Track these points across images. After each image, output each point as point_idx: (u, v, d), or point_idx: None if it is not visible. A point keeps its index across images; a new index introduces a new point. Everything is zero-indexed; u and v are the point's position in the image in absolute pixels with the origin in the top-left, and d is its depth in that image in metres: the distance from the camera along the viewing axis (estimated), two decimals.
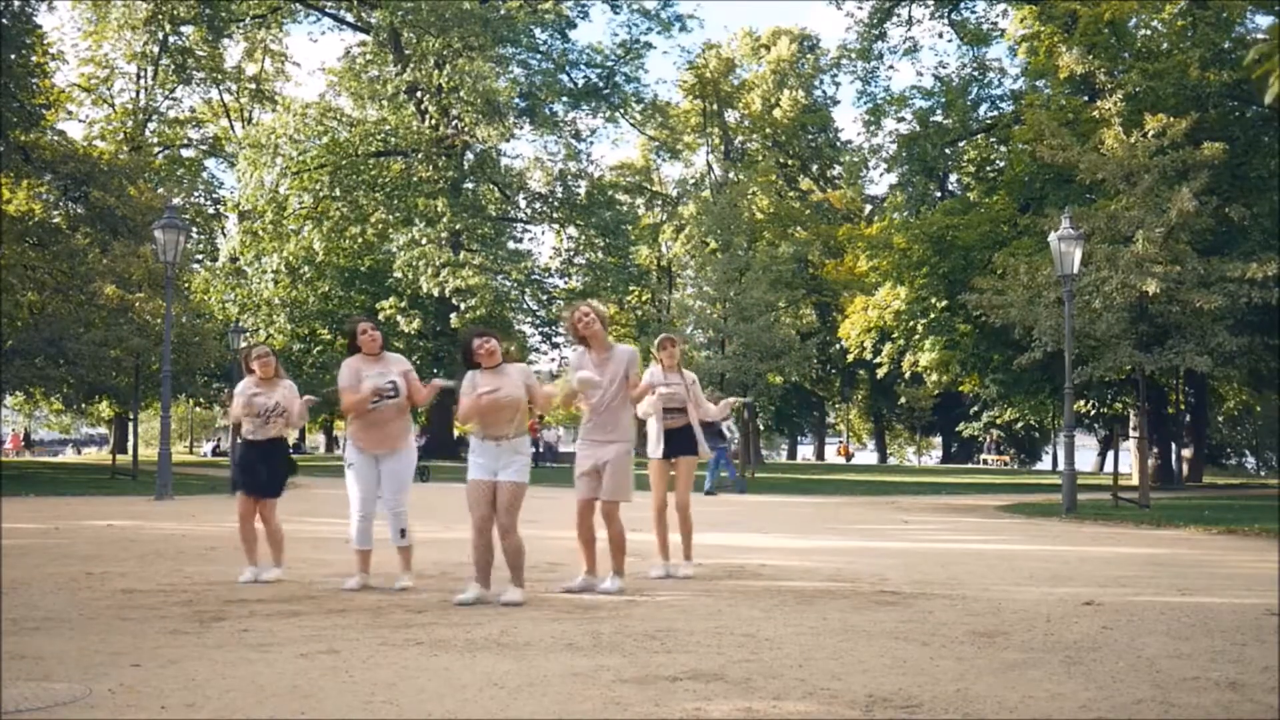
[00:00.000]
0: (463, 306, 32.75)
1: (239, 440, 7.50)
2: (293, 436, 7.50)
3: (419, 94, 35.26)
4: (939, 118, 31.78)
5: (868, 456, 61.36)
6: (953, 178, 34.79)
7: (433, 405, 37.83)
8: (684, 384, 7.56)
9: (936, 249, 27.23)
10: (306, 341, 38.53)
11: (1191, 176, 18.95)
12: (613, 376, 6.59)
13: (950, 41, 36.20)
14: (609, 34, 53.36)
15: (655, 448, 7.48)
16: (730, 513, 13.97)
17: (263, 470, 7.24)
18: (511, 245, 37.44)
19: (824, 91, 51.46)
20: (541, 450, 31.69)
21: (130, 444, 28.72)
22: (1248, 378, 27.21)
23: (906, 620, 5.63)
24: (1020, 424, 45.07)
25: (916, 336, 28.97)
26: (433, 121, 34.64)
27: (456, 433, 44.78)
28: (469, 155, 36.34)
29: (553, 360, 39.72)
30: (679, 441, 7.52)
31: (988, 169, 31.41)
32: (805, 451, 64.74)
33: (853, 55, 36.34)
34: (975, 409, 43.51)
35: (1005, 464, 52.31)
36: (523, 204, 39.09)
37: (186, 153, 43.92)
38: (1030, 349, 19.81)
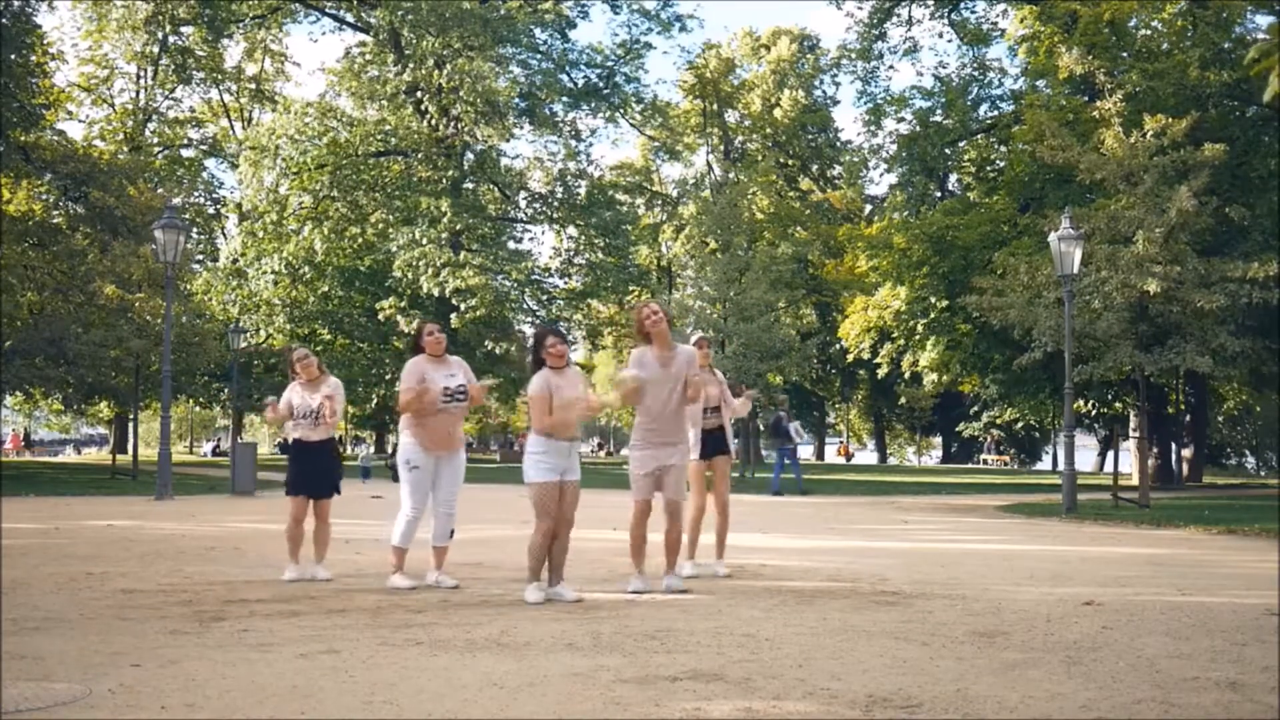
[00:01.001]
0: (463, 307, 32.74)
1: (288, 442, 7.50)
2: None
3: (419, 94, 35.26)
4: (939, 118, 31.76)
5: (868, 456, 61.34)
6: (953, 178, 34.78)
7: None
8: (717, 384, 7.59)
9: (936, 249, 27.23)
10: (306, 342, 38.55)
11: (1191, 176, 18.95)
12: (676, 376, 6.53)
13: (950, 41, 36.21)
14: (609, 34, 53.42)
15: (693, 449, 7.39)
16: (731, 513, 13.89)
17: (322, 470, 7.30)
18: (511, 245, 37.42)
19: (824, 91, 51.52)
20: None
21: (130, 444, 28.72)
22: (1248, 378, 27.22)
23: (906, 620, 5.63)
24: (1020, 424, 45.09)
25: (916, 336, 28.97)
26: (432, 121, 34.64)
27: None
28: (469, 155, 36.34)
29: None
30: (715, 442, 7.55)
31: (988, 169, 31.40)
32: (805, 451, 64.71)
33: (853, 55, 36.33)
34: (975, 409, 43.53)
35: (1005, 464, 52.32)
36: (523, 204, 39.08)
37: (186, 153, 43.89)
38: (1030, 349, 19.82)
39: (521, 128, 37.89)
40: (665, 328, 6.60)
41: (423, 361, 6.81)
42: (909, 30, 34.76)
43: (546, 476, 6.19)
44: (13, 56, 22.52)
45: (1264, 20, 24.46)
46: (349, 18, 38.60)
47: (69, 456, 48.54)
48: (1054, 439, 49.31)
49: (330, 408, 7.26)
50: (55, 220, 26.11)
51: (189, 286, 31.62)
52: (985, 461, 53.59)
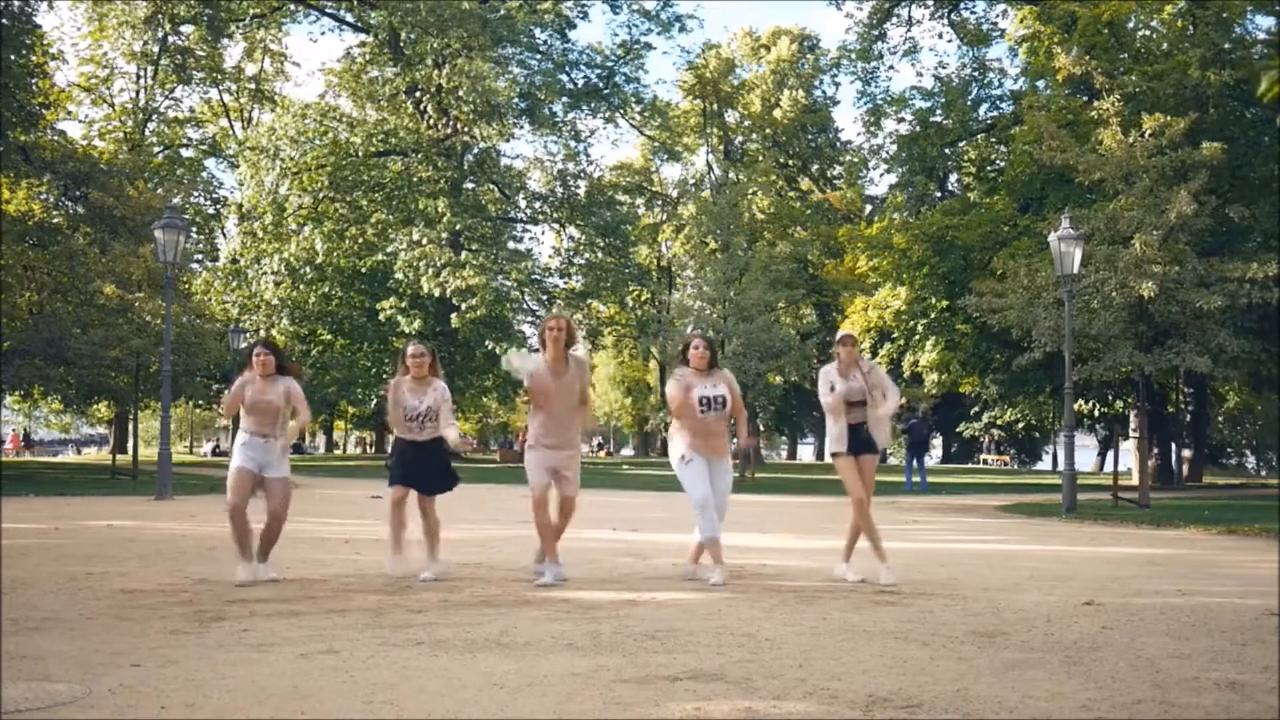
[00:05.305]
0: (463, 307, 32.74)
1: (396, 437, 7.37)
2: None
3: (418, 94, 35.27)
4: (939, 118, 31.77)
5: None
6: (953, 178, 34.79)
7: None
8: (863, 379, 7.33)
9: (936, 249, 27.23)
10: (307, 342, 38.56)
11: (1190, 177, 18.95)
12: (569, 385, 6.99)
13: (950, 42, 36.32)
14: (609, 34, 53.46)
15: (840, 443, 7.27)
16: (731, 513, 13.89)
17: (426, 467, 7.22)
18: (511, 245, 37.43)
19: (824, 91, 51.50)
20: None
21: (130, 444, 28.71)
22: (1247, 379, 27.23)
23: (906, 620, 5.63)
24: (1020, 424, 45.12)
25: (916, 337, 28.96)
26: (431, 121, 34.65)
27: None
28: (469, 155, 36.35)
29: None
30: (862, 438, 7.31)
31: (988, 169, 31.41)
32: (805, 452, 64.75)
33: (853, 56, 36.37)
34: (975, 409, 43.55)
35: (1005, 464, 52.34)
36: (523, 204, 39.09)
37: (186, 153, 43.89)
38: (1029, 349, 19.81)
39: (521, 128, 37.93)
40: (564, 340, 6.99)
41: (689, 374, 7.05)
42: (909, 30, 34.85)
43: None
44: (13, 56, 22.49)
45: (1264, 21, 24.49)
46: (349, 18, 38.61)
47: (69, 456, 48.52)
48: (1054, 439, 49.34)
49: (443, 411, 7.16)
50: (55, 220, 26.07)
51: (189, 286, 31.61)
52: (985, 461, 53.61)
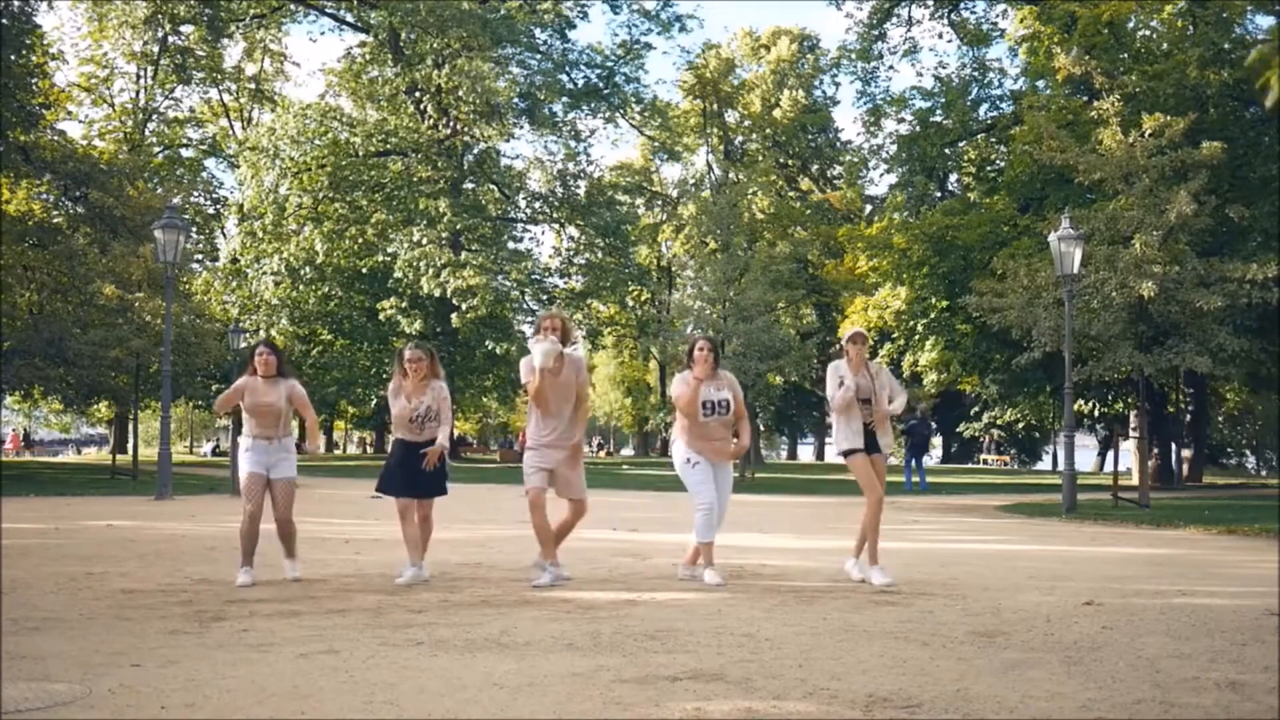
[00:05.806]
0: (463, 307, 32.74)
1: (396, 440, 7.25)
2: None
3: (418, 94, 35.28)
4: (939, 118, 31.74)
5: None
6: (953, 178, 34.76)
7: None
8: (871, 378, 7.32)
9: (936, 249, 27.22)
10: (307, 342, 38.55)
11: (1190, 177, 18.95)
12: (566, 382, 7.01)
13: (950, 42, 36.25)
14: (609, 34, 53.43)
15: (854, 440, 7.26)
16: (730, 513, 13.87)
17: (424, 469, 7.05)
18: (511, 245, 37.43)
19: (824, 91, 51.52)
20: None
21: (130, 444, 28.71)
22: (1246, 379, 27.22)
23: (906, 620, 5.63)
24: (1020, 424, 45.12)
25: (916, 337, 28.96)
26: (431, 121, 34.66)
27: (456, 433, 44.69)
28: (469, 155, 36.36)
29: None
30: (871, 437, 7.33)
31: (988, 169, 31.39)
32: (805, 452, 64.75)
33: (853, 56, 36.33)
34: (975, 409, 43.54)
35: (1005, 464, 52.33)
36: (523, 204, 39.08)
37: (186, 153, 43.89)
38: (1029, 349, 19.81)
39: (521, 127, 37.92)
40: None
41: (695, 381, 7.12)
42: (909, 31, 34.80)
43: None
44: (13, 56, 22.48)
45: (1264, 21, 24.47)
46: (349, 18, 38.61)
47: (69, 456, 48.52)
48: (1054, 439, 49.32)
49: (443, 410, 7.10)
50: (55, 220, 26.08)
51: (189, 286, 31.61)
52: (985, 461, 53.60)
